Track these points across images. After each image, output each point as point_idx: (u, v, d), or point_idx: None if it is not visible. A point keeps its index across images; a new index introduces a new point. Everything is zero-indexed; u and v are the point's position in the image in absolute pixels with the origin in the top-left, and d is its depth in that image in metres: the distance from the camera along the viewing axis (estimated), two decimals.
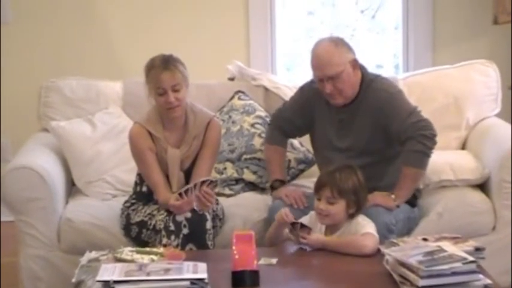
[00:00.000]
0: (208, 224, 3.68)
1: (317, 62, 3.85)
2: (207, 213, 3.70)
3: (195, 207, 3.63)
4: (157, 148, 3.81)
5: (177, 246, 3.59)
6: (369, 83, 3.90)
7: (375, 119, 3.84)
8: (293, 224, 3.50)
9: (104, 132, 4.34)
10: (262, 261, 3.24)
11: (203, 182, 3.58)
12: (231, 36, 5.63)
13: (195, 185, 3.57)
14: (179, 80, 3.73)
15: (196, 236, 3.64)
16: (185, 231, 3.63)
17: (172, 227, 3.63)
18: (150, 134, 3.81)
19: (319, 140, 4.04)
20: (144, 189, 3.90)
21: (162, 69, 3.71)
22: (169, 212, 3.69)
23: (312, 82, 3.99)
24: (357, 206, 3.49)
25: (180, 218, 3.63)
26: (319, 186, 3.53)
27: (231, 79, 4.75)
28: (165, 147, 3.81)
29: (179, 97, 3.74)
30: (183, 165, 3.83)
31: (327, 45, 3.86)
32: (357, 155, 3.85)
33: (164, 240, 3.61)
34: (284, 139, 4.16)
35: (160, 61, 3.73)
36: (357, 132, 3.89)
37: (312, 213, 3.59)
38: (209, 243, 3.67)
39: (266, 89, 4.64)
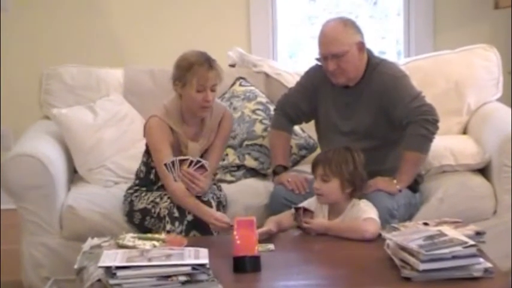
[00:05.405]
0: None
1: (323, 38, 3.86)
2: (212, 200, 3.72)
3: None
4: (177, 142, 3.81)
5: (180, 232, 3.60)
6: (374, 66, 3.91)
7: (379, 103, 3.85)
8: (296, 209, 3.52)
9: (105, 120, 4.34)
10: (259, 248, 3.22)
11: (182, 161, 3.56)
12: (232, 23, 5.63)
13: (172, 163, 3.54)
14: (218, 81, 3.77)
15: (200, 222, 3.65)
16: (189, 217, 3.65)
17: (176, 214, 3.64)
18: (169, 127, 3.81)
19: (324, 123, 4.04)
20: (152, 176, 3.91)
21: (209, 67, 3.72)
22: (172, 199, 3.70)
23: (317, 66, 3.99)
24: (353, 186, 3.50)
25: None
26: (313, 165, 3.57)
27: (232, 65, 4.75)
28: (185, 142, 3.81)
29: (214, 96, 3.78)
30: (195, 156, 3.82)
31: (335, 24, 3.89)
32: (361, 139, 3.85)
33: (168, 227, 3.63)
34: (290, 125, 4.17)
35: (204, 59, 3.74)
36: (361, 115, 3.90)
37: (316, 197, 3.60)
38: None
39: (267, 75, 4.65)
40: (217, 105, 3.90)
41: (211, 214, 3.60)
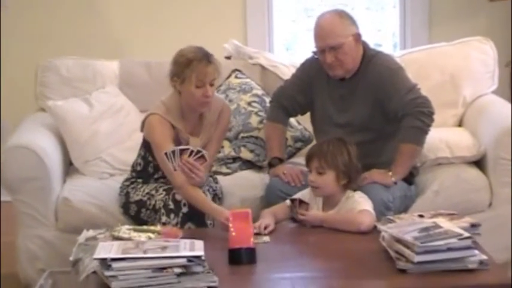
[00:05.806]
0: None
1: (320, 32, 3.86)
2: (207, 192, 3.72)
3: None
4: (178, 139, 3.80)
5: (176, 224, 3.59)
6: (370, 58, 3.90)
7: (375, 95, 3.85)
8: (292, 201, 3.52)
9: (101, 112, 4.33)
10: (254, 240, 3.21)
11: (182, 151, 3.55)
12: (227, 15, 5.62)
13: (173, 152, 3.53)
14: (217, 75, 3.77)
15: (196, 214, 3.64)
16: (185, 209, 3.64)
17: (171, 206, 3.64)
18: (170, 124, 3.80)
19: (319, 115, 4.04)
20: (150, 169, 3.90)
21: (207, 62, 3.71)
22: (168, 191, 3.70)
23: (313, 58, 3.99)
24: (348, 178, 3.50)
25: (179, 196, 3.64)
26: (308, 158, 3.56)
27: (228, 58, 4.75)
28: (186, 138, 3.81)
29: (213, 91, 3.77)
30: None
31: (330, 16, 3.88)
32: (356, 131, 3.85)
33: (163, 219, 3.62)
34: (285, 117, 4.17)
35: (202, 54, 3.72)
36: (356, 107, 3.90)
37: (310, 189, 3.60)
38: (208, 222, 3.67)
39: (263, 68, 4.65)
40: (215, 98, 3.89)
41: (222, 213, 3.52)
